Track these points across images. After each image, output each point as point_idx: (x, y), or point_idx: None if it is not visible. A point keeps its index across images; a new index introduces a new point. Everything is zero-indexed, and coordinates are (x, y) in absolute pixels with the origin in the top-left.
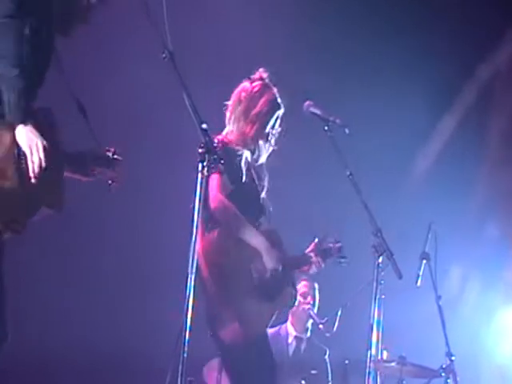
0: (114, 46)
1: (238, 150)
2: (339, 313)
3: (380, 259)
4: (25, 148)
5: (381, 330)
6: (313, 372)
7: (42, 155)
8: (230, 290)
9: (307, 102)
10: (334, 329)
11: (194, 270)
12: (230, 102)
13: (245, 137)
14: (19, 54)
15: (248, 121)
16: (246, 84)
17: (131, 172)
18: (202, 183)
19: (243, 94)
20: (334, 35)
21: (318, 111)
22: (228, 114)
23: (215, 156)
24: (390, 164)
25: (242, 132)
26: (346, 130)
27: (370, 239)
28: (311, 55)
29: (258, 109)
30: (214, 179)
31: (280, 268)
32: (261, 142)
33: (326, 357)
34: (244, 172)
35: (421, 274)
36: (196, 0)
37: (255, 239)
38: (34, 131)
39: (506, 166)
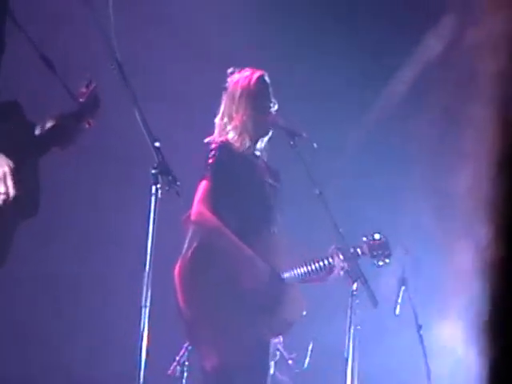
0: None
1: (238, 148)
2: (310, 347)
3: (354, 286)
4: None
5: (356, 364)
6: None
7: (9, 184)
8: (207, 310)
9: (272, 114)
10: (305, 365)
11: (147, 304)
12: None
13: (242, 125)
14: None
15: (237, 106)
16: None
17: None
18: (155, 208)
19: (224, 95)
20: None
21: (282, 124)
22: (219, 120)
23: (170, 177)
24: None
25: (237, 121)
26: (315, 145)
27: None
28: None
29: (239, 89)
30: (201, 187)
31: (266, 289)
32: (260, 121)
33: None
34: (247, 172)
35: (399, 301)
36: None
37: (237, 255)
38: None
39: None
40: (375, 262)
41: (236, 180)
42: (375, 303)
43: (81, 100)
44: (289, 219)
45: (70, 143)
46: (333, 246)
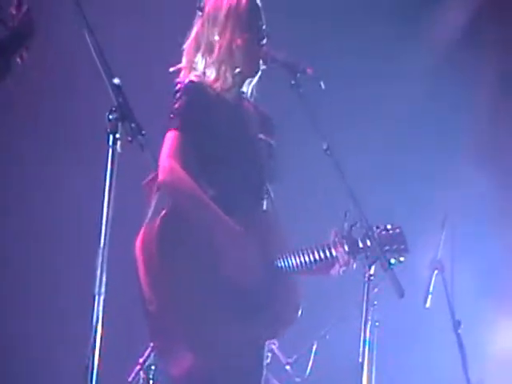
0: None
1: (217, 88)
2: (314, 348)
3: (372, 270)
4: None
5: (373, 371)
6: None
7: None
8: (180, 301)
9: (265, 47)
10: (307, 371)
11: (101, 291)
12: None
13: (226, 55)
14: None
15: (221, 29)
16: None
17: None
18: (113, 163)
19: (199, 18)
20: None
21: (280, 57)
22: (189, 49)
23: (133, 125)
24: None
25: (220, 50)
26: (322, 84)
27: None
28: None
29: (225, 6)
30: (169, 139)
31: (258, 277)
32: (251, 53)
33: None
34: (229, 121)
35: (431, 290)
36: None
37: (218, 229)
38: None
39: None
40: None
41: (213, 131)
42: (400, 292)
43: (10, 24)
44: (286, 186)
45: None
46: (334, 231)
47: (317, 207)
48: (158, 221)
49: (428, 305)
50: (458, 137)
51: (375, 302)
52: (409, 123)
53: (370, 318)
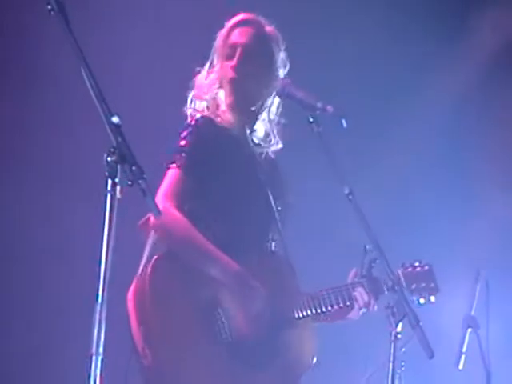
0: None
1: (224, 126)
2: None
3: (399, 328)
4: None
5: None
6: None
7: None
8: (175, 353)
9: (284, 80)
10: None
11: (99, 351)
12: None
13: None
14: None
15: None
16: None
17: None
18: (112, 210)
19: None
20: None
21: (298, 94)
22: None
23: (134, 168)
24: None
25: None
26: (344, 122)
27: (384, 295)
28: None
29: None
30: (169, 177)
31: (265, 327)
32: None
33: None
34: (240, 164)
35: (464, 349)
36: None
37: (217, 271)
38: None
39: None
40: (415, 299)
41: (219, 171)
42: (430, 353)
43: None
44: (299, 230)
45: None
46: (353, 270)
47: (336, 250)
48: (149, 268)
49: (461, 366)
50: (490, 179)
51: (403, 363)
52: (437, 166)
53: (396, 381)
